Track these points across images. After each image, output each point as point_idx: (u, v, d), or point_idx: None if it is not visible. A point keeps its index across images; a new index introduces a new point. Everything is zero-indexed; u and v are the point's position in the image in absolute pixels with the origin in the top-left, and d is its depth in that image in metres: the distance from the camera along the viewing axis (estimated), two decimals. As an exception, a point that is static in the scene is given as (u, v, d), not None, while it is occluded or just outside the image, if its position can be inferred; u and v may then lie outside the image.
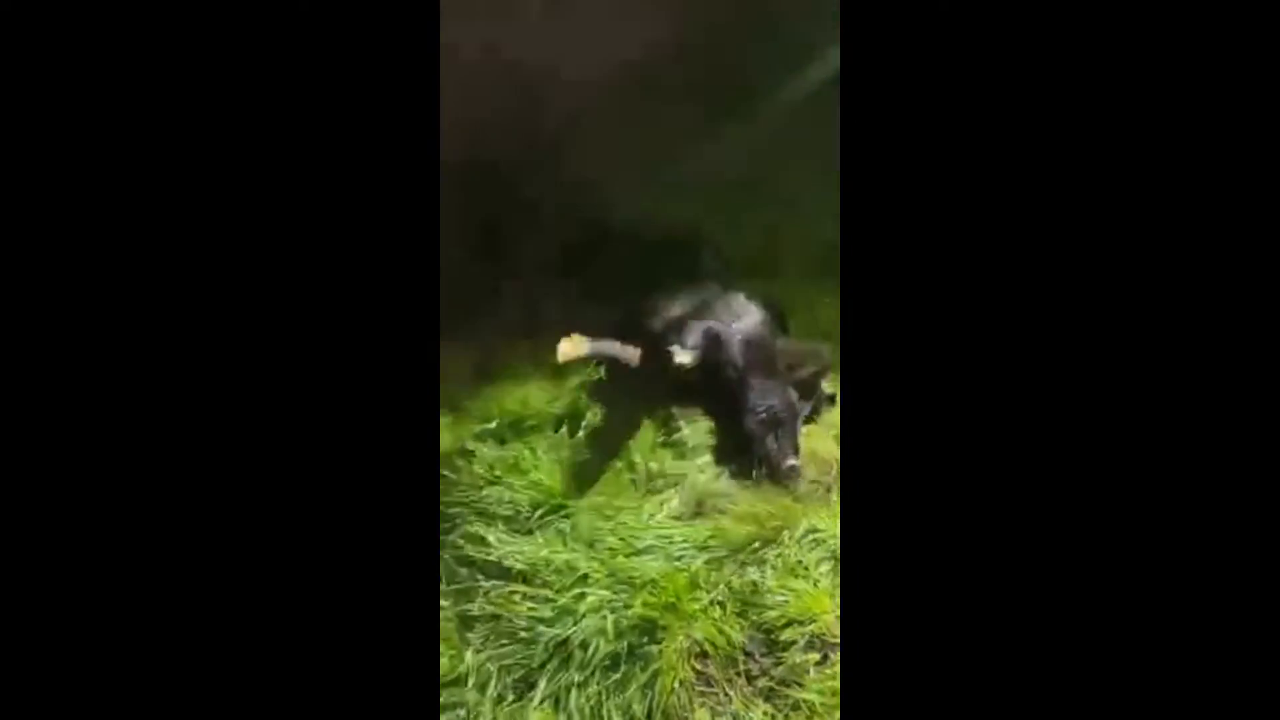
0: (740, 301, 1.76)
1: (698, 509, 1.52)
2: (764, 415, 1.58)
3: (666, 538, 1.43)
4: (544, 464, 1.57)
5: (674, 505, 1.51)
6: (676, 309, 1.74)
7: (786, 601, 1.33)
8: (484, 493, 1.53)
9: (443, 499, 1.53)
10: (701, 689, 1.28)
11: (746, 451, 1.57)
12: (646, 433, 1.66)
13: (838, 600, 1.31)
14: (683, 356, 1.55)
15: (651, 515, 1.49)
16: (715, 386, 1.65)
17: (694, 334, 1.64)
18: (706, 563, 1.40)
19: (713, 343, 1.65)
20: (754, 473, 1.55)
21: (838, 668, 1.23)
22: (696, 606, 1.33)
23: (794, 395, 1.64)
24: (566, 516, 1.48)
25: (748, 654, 1.31)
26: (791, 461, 1.54)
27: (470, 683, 1.25)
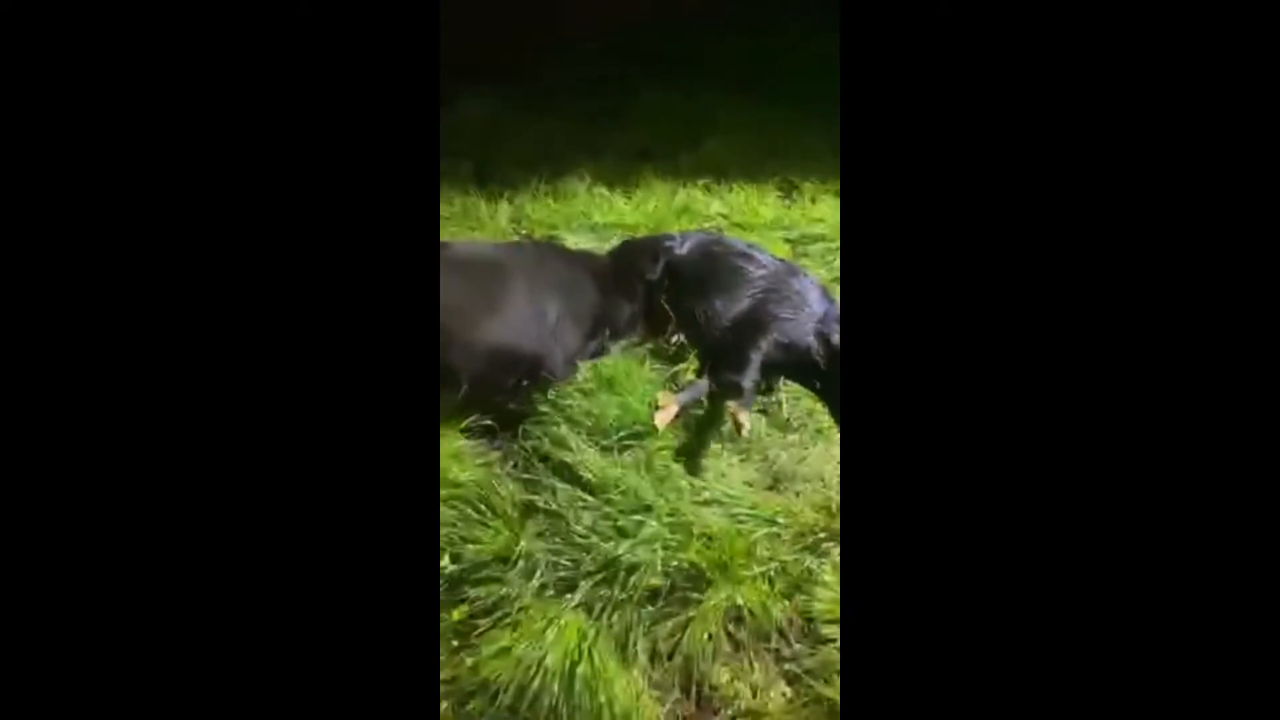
0: (796, 283, 1.68)
1: (775, 483, 1.50)
2: None
3: (736, 499, 1.42)
4: (639, 389, 1.58)
5: (752, 472, 1.50)
6: (734, 311, 1.65)
7: (835, 598, 1.30)
8: (576, 401, 1.57)
9: (535, 395, 1.59)
10: (729, 651, 1.28)
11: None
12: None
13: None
14: (745, 420, 1.47)
15: (724, 474, 1.48)
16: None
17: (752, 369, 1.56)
18: (768, 535, 1.38)
19: (783, 350, 1.59)
20: None
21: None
22: (746, 574, 1.32)
23: None
24: (646, 447, 1.50)
25: (782, 634, 1.30)
26: None
27: (519, 566, 1.32)
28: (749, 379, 1.54)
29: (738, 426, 1.45)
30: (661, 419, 1.45)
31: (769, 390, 1.64)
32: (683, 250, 1.75)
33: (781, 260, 1.80)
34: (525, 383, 1.57)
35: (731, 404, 1.47)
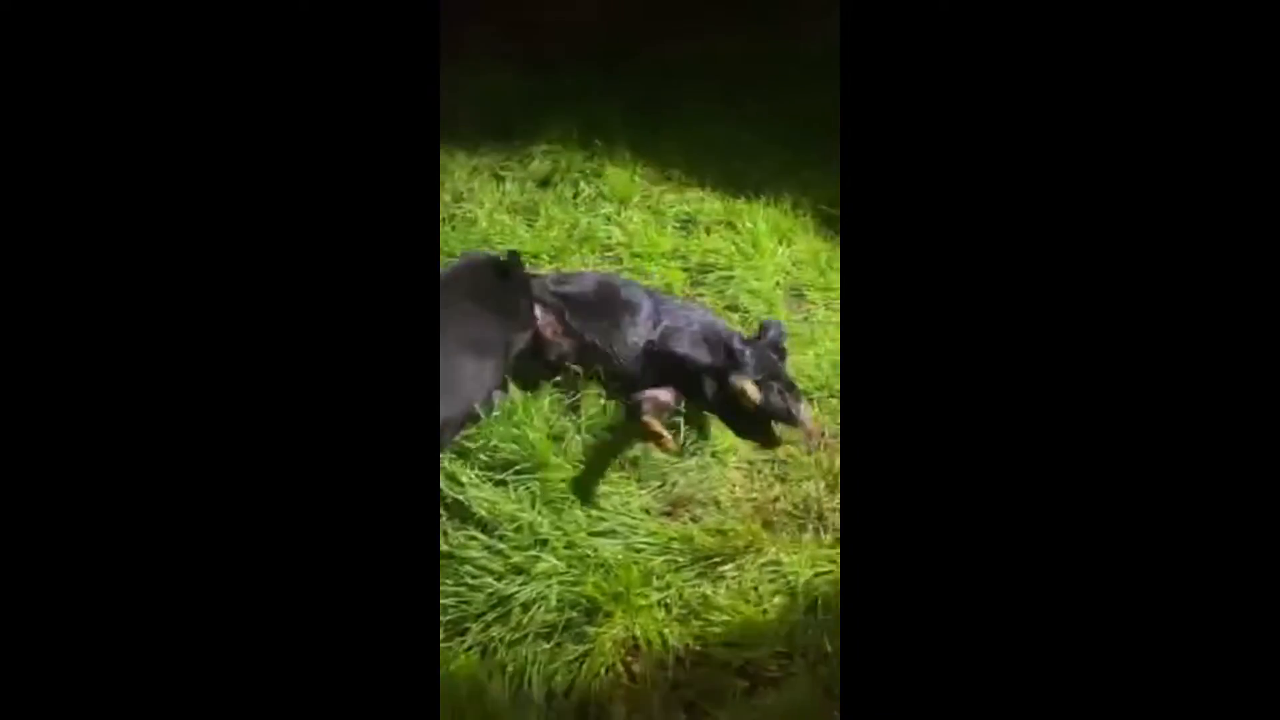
0: (677, 301, 1.77)
1: (671, 509, 1.51)
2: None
3: (632, 527, 1.43)
4: (535, 423, 1.56)
5: (648, 499, 1.51)
6: (641, 327, 1.68)
7: (730, 622, 1.32)
8: (468, 434, 1.53)
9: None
10: (626, 683, 1.27)
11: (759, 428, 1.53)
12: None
13: (783, 634, 1.30)
14: (751, 389, 1.47)
15: (624, 502, 1.48)
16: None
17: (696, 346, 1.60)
18: (664, 562, 1.39)
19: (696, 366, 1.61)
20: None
21: (763, 700, 1.23)
22: (643, 602, 1.33)
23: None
24: (541, 480, 1.48)
25: (679, 661, 1.30)
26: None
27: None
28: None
29: (742, 394, 1.44)
30: (660, 428, 1.43)
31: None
32: (575, 286, 1.76)
33: (657, 291, 1.87)
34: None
35: (646, 415, 1.47)
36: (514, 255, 1.77)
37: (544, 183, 2.50)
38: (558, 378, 1.67)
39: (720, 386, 1.53)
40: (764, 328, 1.71)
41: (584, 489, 1.48)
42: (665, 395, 1.56)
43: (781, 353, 1.67)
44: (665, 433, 1.45)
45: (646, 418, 1.46)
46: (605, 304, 1.71)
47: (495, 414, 1.56)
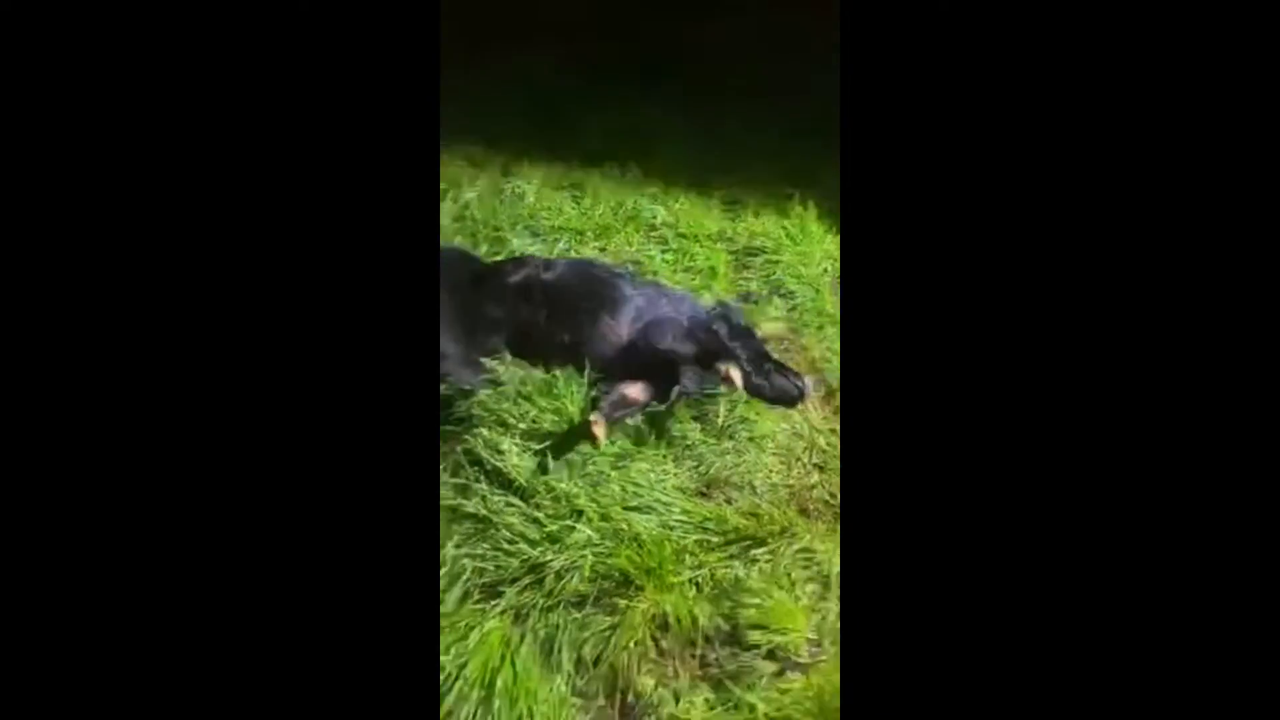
0: (660, 289, 1.75)
1: (707, 489, 1.51)
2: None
3: (667, 505, 1.43)
4: (575, 396, 1.57)
5: (684, 478, 1.51)
6: (623, 320, 1.66)
7: (761, 605, 1.32)
8: (511, 404, 1.55)
9: (471, 397, 1.56)
10: (654, 657, 1.28)
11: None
12: (680, 404, 1.65)
13: (814, 621, 1.29)
14: (736, 375, 1.49)
15: (659, 480, 1.48)
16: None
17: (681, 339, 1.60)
18: (697, 541, 1.39)
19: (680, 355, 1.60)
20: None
21: (791, 684, 1.22)
22: (675, 579, 1.33)
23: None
24: (579, 452, 1.49)
25: (707, 640, 1.30)
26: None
27: (444, 571, 1.28)
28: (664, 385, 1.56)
29: (728, 381, 1.47)
30: (600, 433, 1.43)
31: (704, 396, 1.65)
32: (552, 273, 1.74)
33: (646, 280, 1.85)
34: None
35: (592, 415, 1.46)
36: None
37: (592, 160, 2.49)
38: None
39: (704, 377, 1.56)
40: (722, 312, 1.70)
41: (621, 463, 1.48)
42: (634, 391, 1.54)
43: (748, 331, 1.67)
44: (601, 435, 1.43)
45: (593, 416, 1.44)
46: (586, 294, 1.68)
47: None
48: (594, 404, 1.51)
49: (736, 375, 1.47)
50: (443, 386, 1.55)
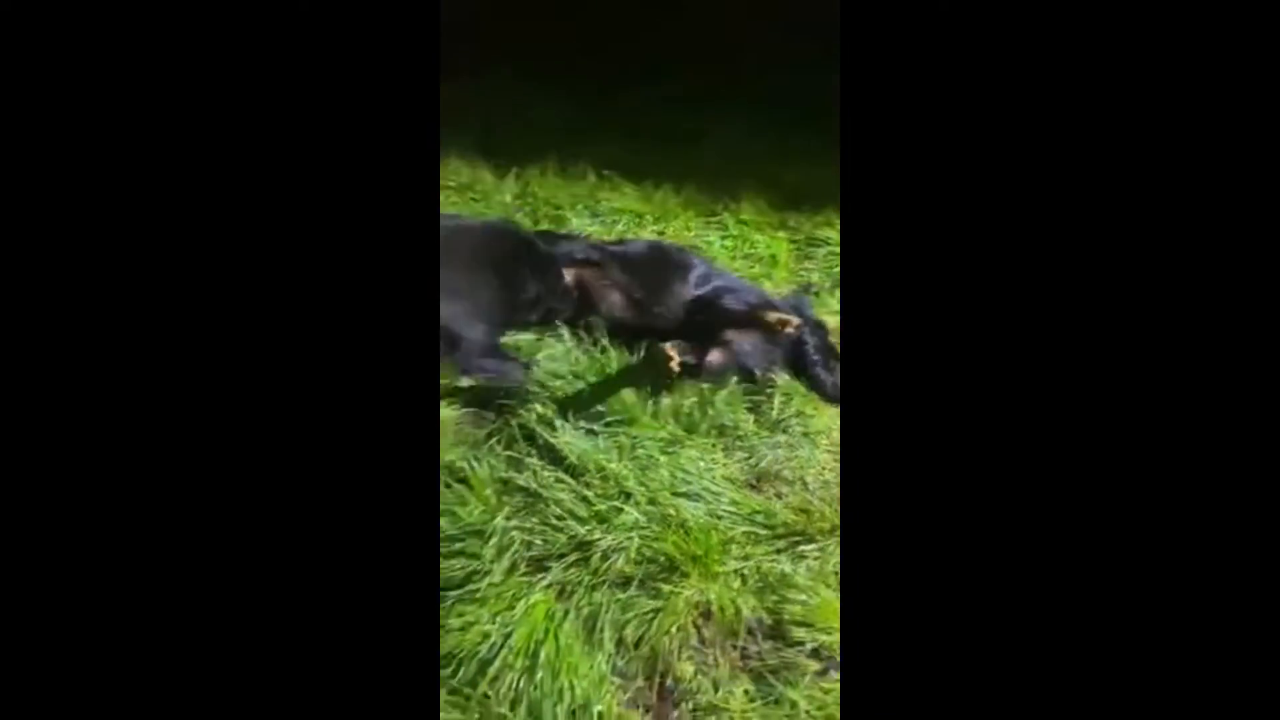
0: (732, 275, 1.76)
1: (757, 482, 1.49)
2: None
3: (716, 494, 1.42)
4: (627, 376, 1.57)
5: (735, 468, 1.49)
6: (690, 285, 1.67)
7: (807, 603, 1.29)
8: (564, 382, 1.56)
9: (531, 376, 1.57)
10: (695, 644, 1.28)
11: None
12: (736, 393, 1.63)
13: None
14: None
15: (709, 468, 1.47)
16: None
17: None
18: (745, 533, 1.38)
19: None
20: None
21: (835, 684, 1.20)
22: (720, 569, 1.32)
23: None
24: (632, 435, 1.48)
25: (750, 632, 1.29)
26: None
27: (492, 542, 1.30)
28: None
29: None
30: (674, 351, 1.44)
31: (757, 385, 1.63)
32: (624, 248, 1.76)
33: (707, 261, 1.86)
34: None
35: (667, 345, 1.47)
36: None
37: (654, 143, 2.47)
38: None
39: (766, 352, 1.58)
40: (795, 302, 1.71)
41: (671, 449, 1.48)
42: (703, 354, 1.55)
43: (820, 324, 1.70)
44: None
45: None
46: (655, 265, 1.70)
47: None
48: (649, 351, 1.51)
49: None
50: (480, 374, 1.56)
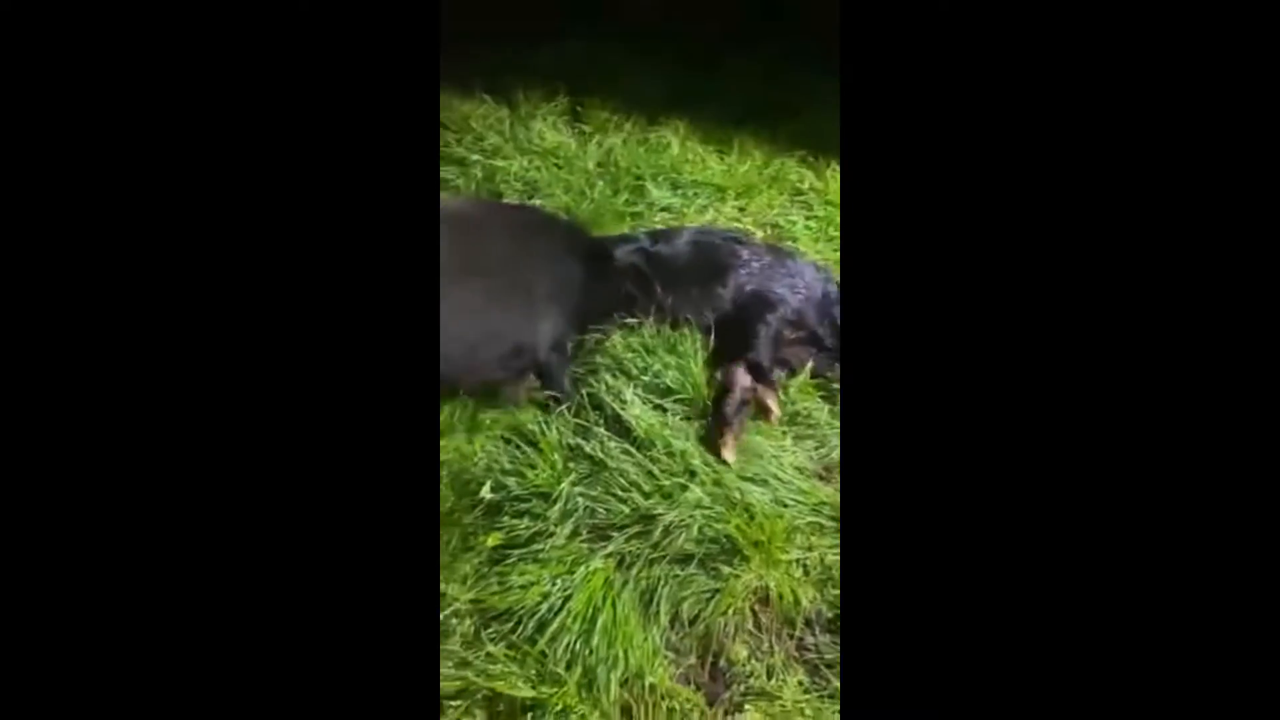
0: (782, 258, 1.69)
1: (825, 473, 1.45)
2: None
3: (784, 481, 1.39)
4: (698, 357, 1.55)
5: (803, 458, 1.45)
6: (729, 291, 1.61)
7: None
8: (635, 355, 1.55)
9: (599, 346, 1.57)
10: (750, 629, 1.27)
11: None
12: (809, 381, 1.59)
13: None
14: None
15: (777, 456, 1.44)
16: None
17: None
18: (810, 523, 1.35)
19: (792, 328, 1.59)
20: None
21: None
22: (783, 557, 1.30)
23: None
24: (698, 414, 1.47)
25: (808, 623, 1.27)
26: None
27: (557, 506, 1.32)
28: (765, 357, 1.53)
29: (766, 412, 1.45)
30: (729, 453, 1.40)
31: (793, 374, 1.58)
32: (667, 244, 1.68)
33: (770, 245, 1.79)
34: (512, 363, 1.52)
35: (760, 387, 1.46)
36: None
37: (740, 117, 2.39)
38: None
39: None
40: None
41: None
42: (744, 381, 1.49)
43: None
44: (731, 458, 1.40)
45: (723, 440, 1.41)
46: (697, 266, 1.64)
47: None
48: (717, 407, 1.46)
49: (773, 405, 1.45)
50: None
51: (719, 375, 1.53)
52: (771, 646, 1.25)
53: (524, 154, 2.21)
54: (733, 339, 1.57)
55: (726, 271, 1.63)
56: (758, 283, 1.63)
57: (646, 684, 1.17)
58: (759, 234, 1.98)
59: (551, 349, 1.56)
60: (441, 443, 1.44)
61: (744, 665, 1.23)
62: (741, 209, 2.09)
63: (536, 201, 2.04)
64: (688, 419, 1.47)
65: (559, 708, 1.12)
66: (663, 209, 2.06)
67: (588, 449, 1.39)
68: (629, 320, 1.59)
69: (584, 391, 1.50)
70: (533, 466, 1.37)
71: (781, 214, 2.08)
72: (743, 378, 1.50)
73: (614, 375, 1.52)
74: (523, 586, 1.24)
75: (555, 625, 1.20)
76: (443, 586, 1.25)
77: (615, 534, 1.30)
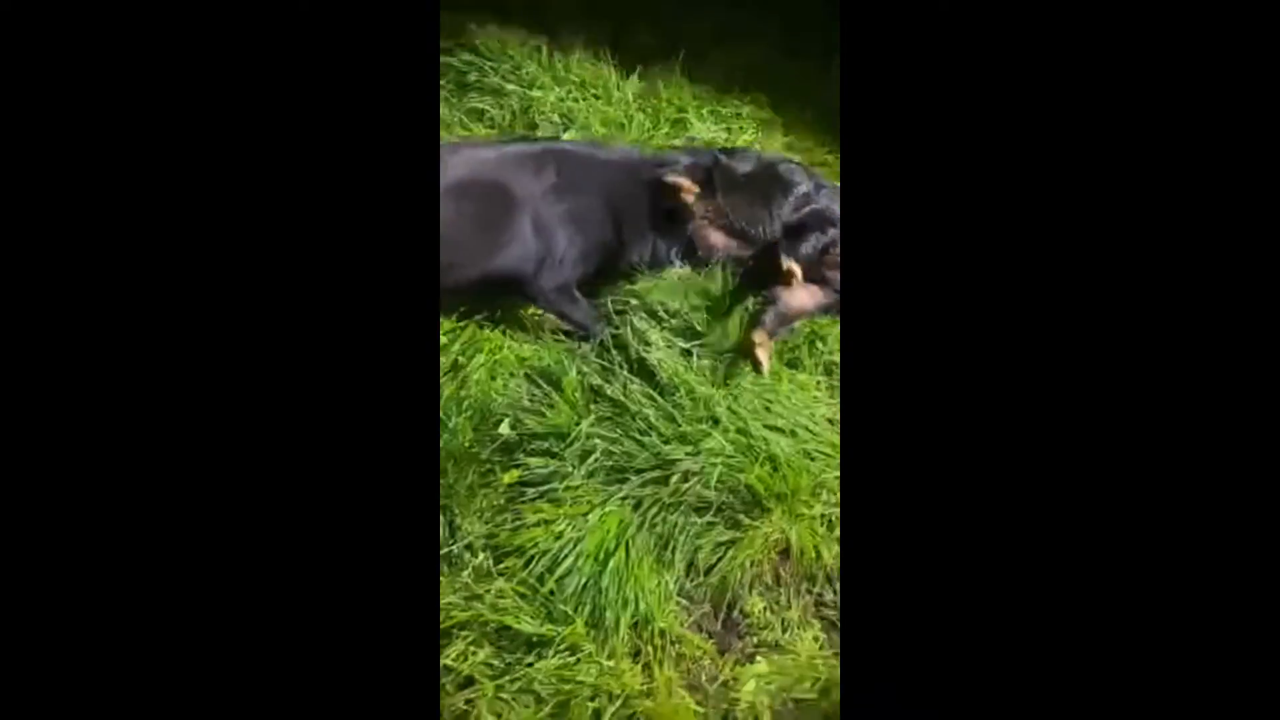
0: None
1: (859, 426, 1.37)
2: None
3: (814, 434, 1.32)
4: (727, 301, 1.47)
5: (835, 410, 1.37)
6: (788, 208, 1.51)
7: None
8: (663, 297, 1.48)
9: (626, 286, 1.51)
10: (768, 582, 1.23)
11: None
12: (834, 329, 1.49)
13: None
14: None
15: (808, 406, 1.37)
16: None
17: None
18: (837, 478, 1.28)
19: None
20: None
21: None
22: (806, 511, 1.24)
23: None
24: (730, 361, 1.40)
25: (829, 579, 1.22)
26: None
27: (575, 446, 1.29)
28: (807, 248, 1.45)
29: (755, 363, 1.34)
30: (763, 353, 1.33)
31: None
32: (731, 158, 1.58)
33: (817, 172, 1.68)
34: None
35: (755, 333, 1.35)
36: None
37: (788, 49, 2.22)
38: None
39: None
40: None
41: (768, 378, 1.38)
42: (801, 298, 1.39)
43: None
44: (765, 360, 1.31)
45: (755, 336, 1.33)
46: (760, 183, 1.54)
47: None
48: (756, 317, 1.39)
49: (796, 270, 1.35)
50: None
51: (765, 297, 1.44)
52: (789, 600, 1.21)
53: (561, 84, 2.11)
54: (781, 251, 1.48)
55: (789, 189, 1.56)
56: (818, 203, 1.55)
57: (656, 628, 1.15)
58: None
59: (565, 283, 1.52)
60: (461, 378, 1.42)
61: (759, 617, 1.20)
62: (788, 145, 1.96)
63: (570, 135, 1.96)
64: (715, 364, 1.40)
65: (565, 645, 1.12)
66: (705, 143, 1.95)
67: (609, 391, 1.35)
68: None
69: (608, 333, 1.45)
70: (551, 406, 1.34)
71: (832, 152, 1.94)
72: (796, 294, 1.42)
73: (640, 317, 1.46)
74: (537, 525, 1.22)
75: (567, 564, 1.18)
76: (458, 520, 1.25)
77: (632, 477, 1.26)
